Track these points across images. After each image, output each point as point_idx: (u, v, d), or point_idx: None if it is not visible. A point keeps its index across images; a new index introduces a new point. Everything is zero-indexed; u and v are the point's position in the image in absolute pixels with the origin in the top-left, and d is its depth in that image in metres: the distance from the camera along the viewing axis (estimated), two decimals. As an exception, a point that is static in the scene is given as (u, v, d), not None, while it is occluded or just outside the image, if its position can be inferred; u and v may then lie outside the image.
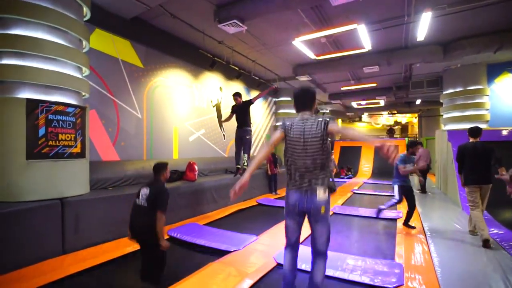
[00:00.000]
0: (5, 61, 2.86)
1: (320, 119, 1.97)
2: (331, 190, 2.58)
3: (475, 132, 3.66)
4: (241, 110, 5.24)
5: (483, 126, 7.06)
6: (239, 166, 5.12)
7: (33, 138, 2.87)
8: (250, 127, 5.18)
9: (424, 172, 7.03)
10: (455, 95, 7.42)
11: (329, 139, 1.98)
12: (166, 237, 3.66)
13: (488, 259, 2.93)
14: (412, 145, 4.19)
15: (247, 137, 5.06)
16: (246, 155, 5.02)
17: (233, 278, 2.52)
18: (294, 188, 2.02)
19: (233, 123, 7.69)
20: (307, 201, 1.96)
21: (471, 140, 3.71)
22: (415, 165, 4.26)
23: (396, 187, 4.22)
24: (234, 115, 5.34)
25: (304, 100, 2.11)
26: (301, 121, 2.02)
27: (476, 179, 3.49)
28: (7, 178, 2.80)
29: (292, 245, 2.17)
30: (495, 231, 3.77)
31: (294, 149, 2.01)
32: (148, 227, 2.30)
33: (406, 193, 4.17)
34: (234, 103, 5.44)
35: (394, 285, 2.39)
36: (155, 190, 2.38)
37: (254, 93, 8.85)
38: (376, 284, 2.43)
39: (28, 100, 2.84)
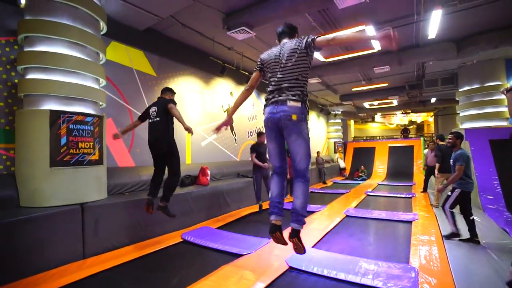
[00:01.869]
0: (31, 76, 3.08)
1: (302, 38, 2.07)
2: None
3: (442, 137, 5.90)
4: (264, 153, 5.47)
5: (503, 123, 6.80)
6: (262, 203, 5.51)
7: (56, 146, 3.05)
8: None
9: (434, 173, 6.89)
10: (471, 92, 7.19)
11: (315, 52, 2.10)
12: (180, 240, 3.77)
13: (509, 264, 2.82)
14: None
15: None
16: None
17: (245, 281, 2.56)
18: (268, 103, 2.12)
19: (244, 127, 7.80)
20: (278, 111, 1.99)
21: (441, 143, 5.85)
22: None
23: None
24: (254, 155, 5.42)
25: (285, 30, 2.28)
26: (278, 46, 2.23)
27: (446, 169, 4.98)
28: (33, 184, 2.99)
29: (278, 173, 2.22)
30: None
31: (273, 70, 2.14)
32: (163, 137, 3.00)
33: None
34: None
35: (408, 289, 2.35)
36: (162, 103, 3.13)
37: (264, 96, 8.92)
38: None
39: (51, 111, 3.03)
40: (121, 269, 2.94)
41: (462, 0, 4.28)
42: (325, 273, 2.69)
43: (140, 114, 4.89)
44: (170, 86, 3.52)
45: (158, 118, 3.08)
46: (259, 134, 5.40)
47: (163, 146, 3.08)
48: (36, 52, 3.06)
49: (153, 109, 3.18)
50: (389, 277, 2.56)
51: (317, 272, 2.71)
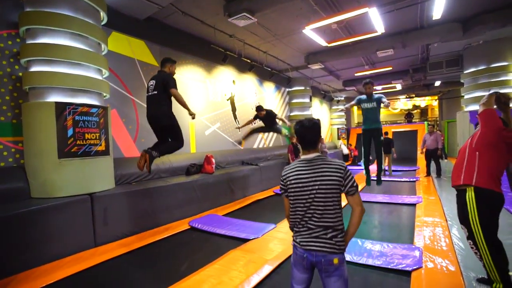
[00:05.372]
0: (35, 69, 3.09)
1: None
2: None
3: (386, 133, 8.06)
4: (268, 120, 5.73)
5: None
6: None
7: (63, 138, 3.10)
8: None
9: (435, 156, 7.02)
10: (477, 73, 7.04)
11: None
12: (187, 227, 3.87)
13: (512, 241, 2.86)
14: None
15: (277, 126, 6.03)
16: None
17: (253, 264, 2.64)
18: None
19: (247, 115, 7.78)
20: None
21: (384, 136, 7.58)
22: None
23: None
24: (260, 121, 5.91)
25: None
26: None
27: (386, 152, 7.96)
28: (43, 175, 3.06)
29: None
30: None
31: None
32: (161, 111, 2.96)
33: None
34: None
35: (413, 268, 2.42)
36: (160, 78, 3.02)
37: (267, 84, 8.85)
38: (394, 267, 2.47)
39: (56, 103, 3.06)
40: (131, 256, 3.05)
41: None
42: (331, 254, 2.76)
43: (143, 104, 4.93)
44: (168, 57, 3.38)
45: (155, 92, 3.06)
46: (258, 109, 5.57)
47: (161, 121, 3.11)
48: (38, 45, 3.05)
49: (151, 82, 3.14)
50: (394, 257, 2.63)
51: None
